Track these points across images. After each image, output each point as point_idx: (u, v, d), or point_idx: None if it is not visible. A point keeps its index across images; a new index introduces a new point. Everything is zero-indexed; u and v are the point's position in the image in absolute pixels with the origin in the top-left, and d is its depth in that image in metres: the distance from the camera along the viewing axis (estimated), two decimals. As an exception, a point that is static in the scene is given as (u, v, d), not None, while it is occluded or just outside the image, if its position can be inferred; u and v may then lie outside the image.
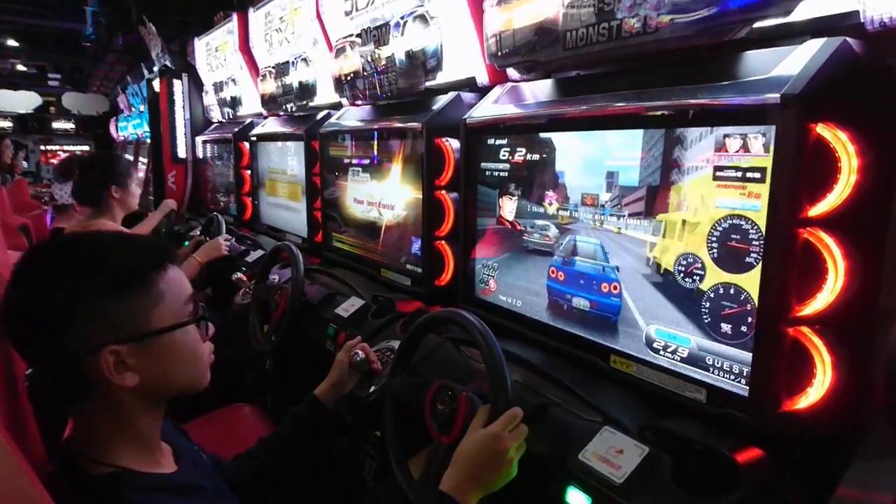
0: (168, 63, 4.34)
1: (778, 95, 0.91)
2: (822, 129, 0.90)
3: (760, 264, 0.98)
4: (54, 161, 10.67)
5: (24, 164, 9.05)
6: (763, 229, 0.98)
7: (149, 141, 5.04)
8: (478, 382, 1.27)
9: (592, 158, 1.29)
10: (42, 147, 11.43)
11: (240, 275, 2.39)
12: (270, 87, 2.98)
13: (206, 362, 0.90)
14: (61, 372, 0.79)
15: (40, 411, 0.95)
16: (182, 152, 4.33)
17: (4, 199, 4.66)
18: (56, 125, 11.88)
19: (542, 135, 1.40)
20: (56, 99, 11.92)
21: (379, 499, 1.29)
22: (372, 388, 1.45)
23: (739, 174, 1.01)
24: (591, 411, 1.13)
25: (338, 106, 2.55)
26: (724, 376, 1.05)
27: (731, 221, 1.03)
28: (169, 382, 0.85)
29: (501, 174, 1.54)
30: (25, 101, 11.39)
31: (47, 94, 11.91)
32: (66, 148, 11.40)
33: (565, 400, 1.19)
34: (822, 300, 0.95)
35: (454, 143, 1.74)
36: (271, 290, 2.00)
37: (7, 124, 11.14)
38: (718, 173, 1.04)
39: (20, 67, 11.93)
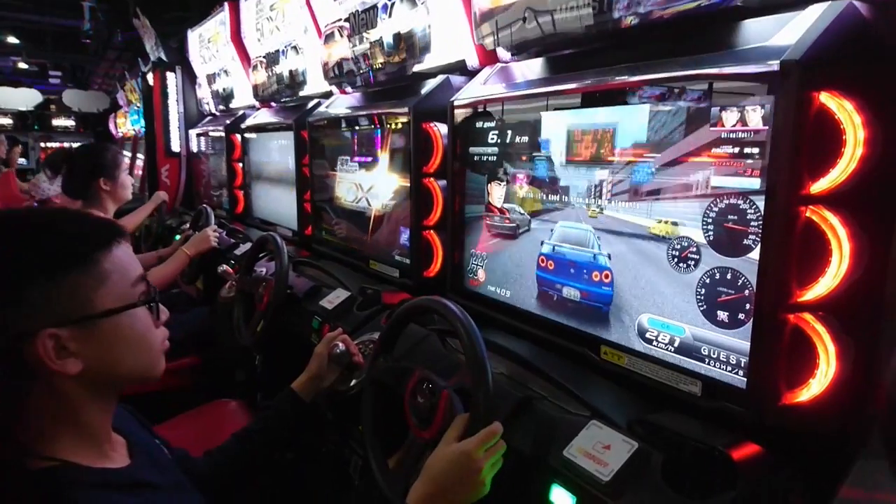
0: (162, 56, 4.28)
1: (777, 63, 0.85)
2: (826, 98, 0.83)
3: (759, 246, 0.91)
4: (40, 176, 10.66)
5: (23, 160, 9.02)
6: (762, 209, 0.91)
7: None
8: (460, 376, 1.21)
9: (581, 139, 1.22)
10: (42, 144, 11.41)
11: (225, 267, 2.33)
12: (262, 77, 2.93)
13: (158, 349, 0.83)
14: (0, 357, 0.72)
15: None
16: (176, 146, 4.28)
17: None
18: (56, 122, 11.87)
19: (533, 115, 1.33)
20: (57, 96, 11.90)
21: (364, 494, 1.23)
22: (353, 382, 1.39)
23: (737, 150, 0.94)
24: (578, 405, 1.07)
25: (328, 95, 2.49)
26: (720, 367, 0.99)
27: (727, 201, 0.96)
28: (116, 370, 0.78)
29: (490, 159, 1.47)
30: (26, 98, 11.37)
31: (48, 92, 11.90)
32: (66, 145, 11.38)
33: (552, 393, 1.13)
34: (825, 284, 0.88)
35: (443, 129, 1.67)
36: (256, 283, 1.94)
37: (7, 121, 11.13)
38: (715, 150, 0.97)
39: (21, 65, 11.91)
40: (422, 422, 1.06)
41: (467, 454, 0.92)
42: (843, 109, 0.83)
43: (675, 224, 1.04)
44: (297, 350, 1.98)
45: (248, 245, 2.77)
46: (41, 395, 0.74)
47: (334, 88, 2.34)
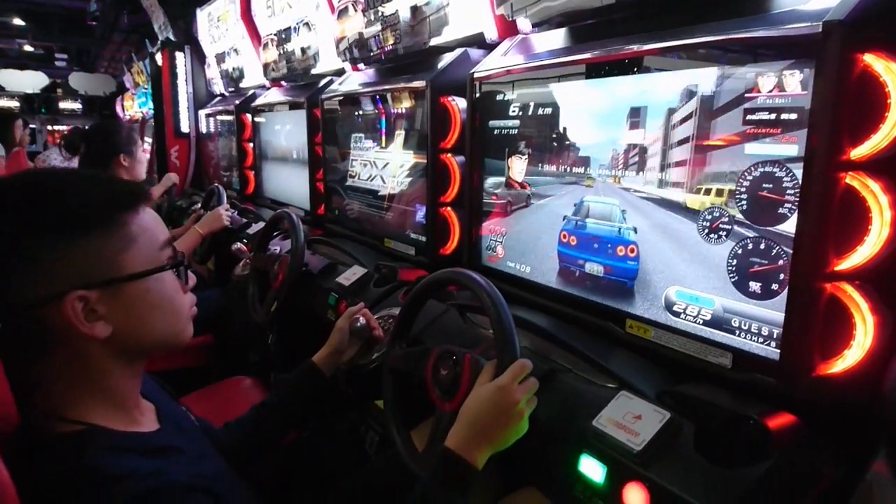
0: (170, 36, 4.25)
1: (819, 23, 0.82)
2: (871, 60, 0.80)
3: (795, 215, 0.89)
4: (52, 148, 10.65)
5: (32, 146, 9.01)
6: (799, 177, 0.88)
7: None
8: (483, 347, 1.20)
9: (608, 110, 1.20)
10: (49, 127, 11.40)
11: (239, 245, 2.33)
12: (272, 55, 2.90)
13: (186, 314, 0.83)
14: (19, 323, 0.71)
15: (13, 370, 0.88)
16: (185, 127, 4.25)
17: (2, 171, 4.61)
18: (63, 105, 11.83)
19: (555, 86, 1.31)
20: (63, 80, 11.86)
21: (380, 470, 1.23)
22: (374, 356, 1.38)
23: (773, 117, 0.92)
24: (605, 377, 1.05)
25: (341, 73, 2.46)
26: (751, 339, 0.97)
27: (762, 170, 0.93)
28: (145, 335, 0.77)
29: (511, 132, 1.45)
30: (32, 81, 11.34)
31: (54, 76, 11.86)
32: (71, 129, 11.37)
33: (577, 366, 1.11)
34: (863, 253, 0.86)
35: (461, 103, 1.65)
36: (270, 260, 1.93)
37: (14, 104, 11.11)
38: (749, 117, 0.95)
39: (27, 48, 11.87)
40: (445, 393, 1.05)
41: (502, 388, 0.91)
42: (890, 71, 0.80)
43: (706, 194, 1.02)
44: (310, 329, 1.98)
45: (261, 225, 2.76)
46: (67, 361, 0.73)
47: (347, 65, 2.31)
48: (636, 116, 1.14)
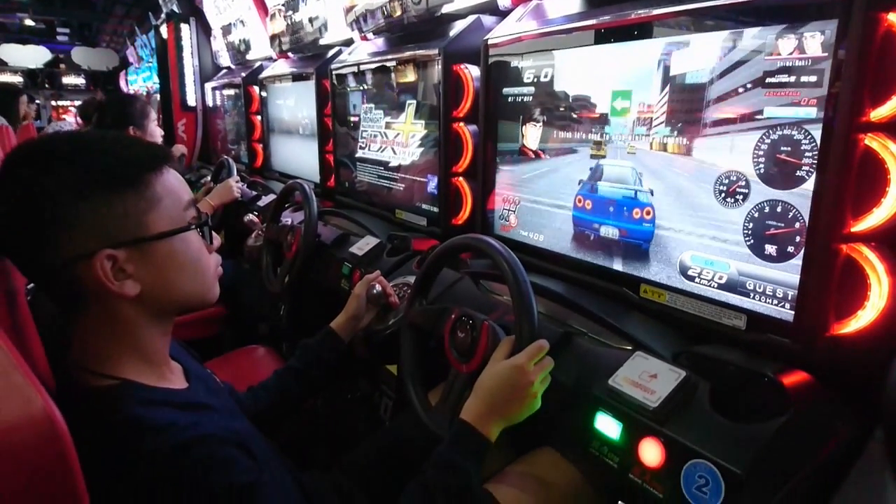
0: (174, 7, 4.21)
1: (843, -17, 0.81)
2: (894, 19, 0.80)
3: (813, 177, 0.90)
4: (65, 117, 10.61)
5: (37, 122, 9.00)
6: (817, 139, 0.89)
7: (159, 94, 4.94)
8: (499, 313, 1.22)
9: (624, 75, 1.20)
10: (53, 102, 11.36)
11: (251, 216, 2.34)
12: (279, 26, 2.87)
13: (212, 273, 0.85)
14: (54, 281, 0.74)
15: (44, 330, 0.90)
16: (192, 100, 4.24)
17: (13, 143, 4.62)
18: (66, 80, 11.79)
19: (570, 52, 1.30)
20: (65, 55, 11.78)
21: (394, 431, 1.26)
22: (390, 322, 1.40)
23: (793, 79, 0.91)
24: (620, 339, 1.07)
25: (349, 43, 2.45)
26: (766, 301, 0.98)
27: (781, 132, 0.94)
28: (173, 293, 0.79)
29: (525, 99, 1.44)
30: (35, 56, 11.27)
31: (57, 51, 11.78)
32: (76, 104, 11.33)
33: (592, 329, 1.13)
34: (879, 215, 0.87)
35: (474, 71, 1.64)
36: (283, 231, 1.94)
37: (17, 79, 11.06)
38: (769, 79, 0.95)
39: (28, 22, 11.76)
40: (462, 356, 1.07)
41: (518, 367, 0.93)
42: (914, 29, 0.80)
43: (722, 157, 1.03)
44: (322, 299, 2.00)
45: (271, 197, 2.78)
46: (99, 318, 0.76)
47: (356, 35, 2.29)
48: (652, 81, 1.13)
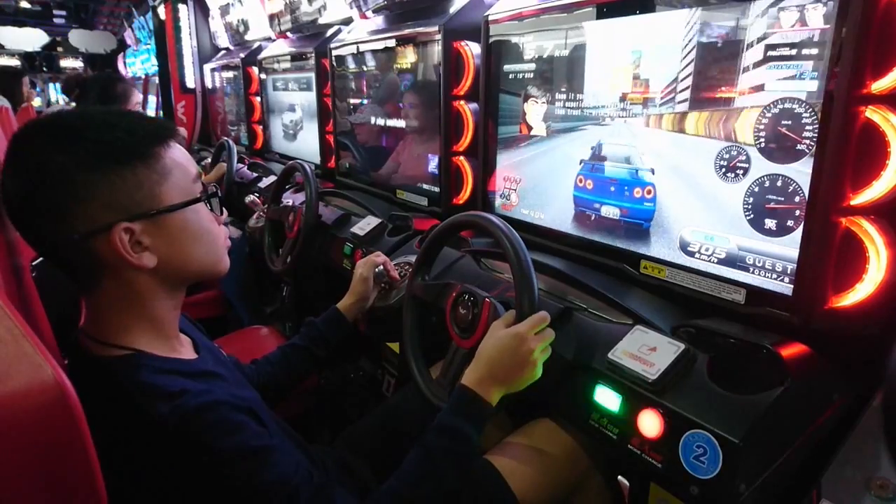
0: (172, -13, 4.16)
1: (846, -47, 0.81)
2: (898, -11, 0.79)
3: (813, 150, 0.90)
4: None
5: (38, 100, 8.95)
6: (818, 113, 0.89)
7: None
8: (500, 290, 1.23)
9: (627, 49, 1.19)
10: (51, 85, 11.29)
11: (253, 197, 2.35)
12: (278, 5, 2.85)
13: (222, 244, 0.86)
14: (70, 255, 0.75)
15: (49, 305, 0.91)
16: (190, 82, 4.22)
17: (13, 124, 4.62)
18: (64, 63, 11.70)
19: (575, 26, 1.29)
20: (62, 37, 11.67)
21: (396, 404, 1.28)
22: (393, 300, 1.41)
23: (794, 52, 0.91)
24: (620, 314, 1.08)
25: (348, 22, 2.43)
26: (765, 275, 0.99)
27: (782, 106, 0.94)
28: (187, 264, 0.81)
29: (527, 76, 1.44)
30: (32, 38, 11.16)
31: (53, 33, 11.66)
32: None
33: (592, 304, 1.14)
34: (879, 188, 0.87)
35: (474, 48, 1.63)
36: (285, 211, 1.95)
37: (15, 62, 10.99)
38: (770, 52, 0.94)
39: (24, 4, 11.63)
40: (463, 332, 1.09)
41: (518, 336, 0.94)
42: (916, 0, 0.79)
43: (723, 132, 1.03)
44: (323, 279, 2.01)
45: (271, 178, 2.77)
46: (114, 291, 0.77)
47: (355, 13, 2.27)
48: (655, 55, 1.13)
